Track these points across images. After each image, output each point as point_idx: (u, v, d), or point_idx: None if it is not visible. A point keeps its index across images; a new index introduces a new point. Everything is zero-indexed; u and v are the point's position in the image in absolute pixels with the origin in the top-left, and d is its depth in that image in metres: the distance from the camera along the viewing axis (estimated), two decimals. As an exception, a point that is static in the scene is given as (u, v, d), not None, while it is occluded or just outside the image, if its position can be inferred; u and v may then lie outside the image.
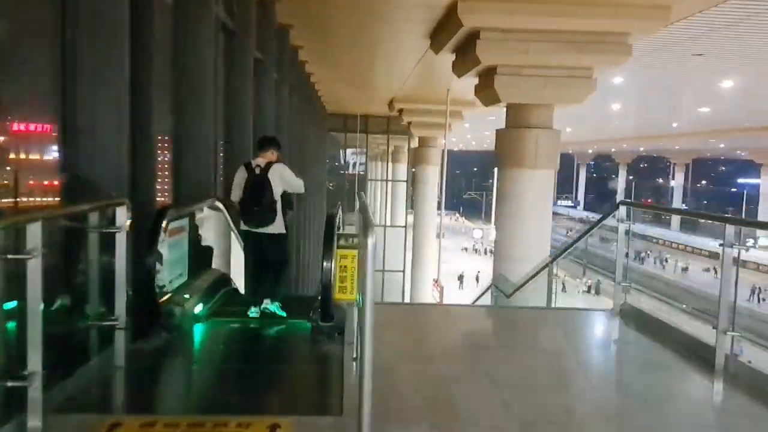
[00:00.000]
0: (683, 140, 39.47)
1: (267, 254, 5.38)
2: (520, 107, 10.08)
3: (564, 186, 79.71)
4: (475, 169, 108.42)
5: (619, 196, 73.90)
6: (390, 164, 35.80)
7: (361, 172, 38.65)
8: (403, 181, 36.37)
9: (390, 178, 34.28)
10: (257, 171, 5.20)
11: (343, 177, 45.12)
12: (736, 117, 26.86)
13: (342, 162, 45.70)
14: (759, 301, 35.02)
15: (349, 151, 37.69)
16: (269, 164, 5.23)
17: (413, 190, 23.78)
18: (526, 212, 10.05)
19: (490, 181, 56.64)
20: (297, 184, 5.41)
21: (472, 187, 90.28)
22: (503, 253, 10.33)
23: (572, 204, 75.21)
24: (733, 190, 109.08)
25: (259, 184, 5.14)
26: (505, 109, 10.52)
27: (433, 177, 23.35)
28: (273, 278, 5.44)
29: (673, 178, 63.12)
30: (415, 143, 28.58)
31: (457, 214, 78.69)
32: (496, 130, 10.63)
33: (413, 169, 32.94)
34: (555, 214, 73.00)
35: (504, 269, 10.05)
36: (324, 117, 27.34)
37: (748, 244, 29.62)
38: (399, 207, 37.01)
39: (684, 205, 66.83)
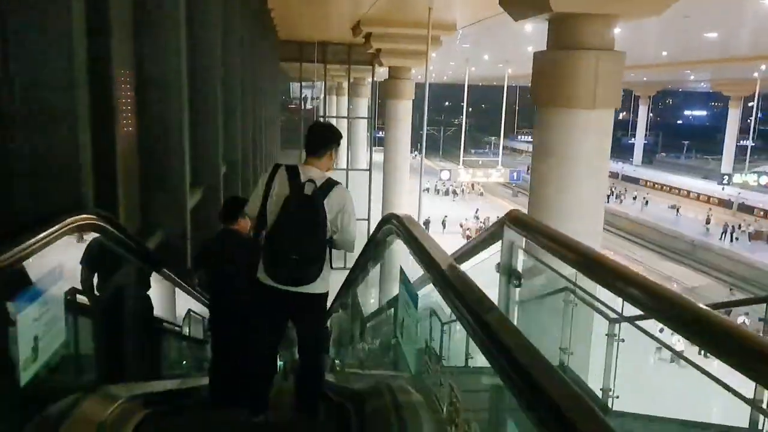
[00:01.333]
0: (658, 70, 37.24)
1: (298, 327, 3.40)
2: (574, 21, 7.03)
3: (524, 122, 77.60)
4: (448, 103, 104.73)
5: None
6: (349, 98, 32.21)
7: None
8: (365, 118, 32.97)
9: (349, 114, 30.82)
10: (307, 190, 3.06)
11: (297, 113, 41.27)
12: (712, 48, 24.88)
13: (295, 96, 41.67)
14: (732, 240, 34.12)
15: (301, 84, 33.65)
16: (328, 182, 3.12)
17: (385, 130, 20.64)
18: (578, 170, 7.19)
19: (461, 117, 53.69)
20: (352, 232, 3.28)
21: (443, 122, 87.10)
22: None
23: (532, 139, 73.22)
24: (692, 121, 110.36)
25: (308, 215, 3.03)
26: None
27: (405, 114, 20.20)
28: (309, 370, 3.42)
29: (637, 113, 61.69)
30: (381, 75, 25.12)
31: (416, 152, 75.37)
32: (535, 54, 7.57)
33: (379, 103, 29.65)
34: (516, 150, 71.30)
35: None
36: (276, 45, 23.42)
37: (724, 183, 28.07)
38: (360, 147, 33.76)
39: (646, 140, 65.96)
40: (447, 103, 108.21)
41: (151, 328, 3.90)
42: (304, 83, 30.68)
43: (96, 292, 3.09)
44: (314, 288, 3.16)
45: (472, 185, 51.53)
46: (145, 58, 4.15)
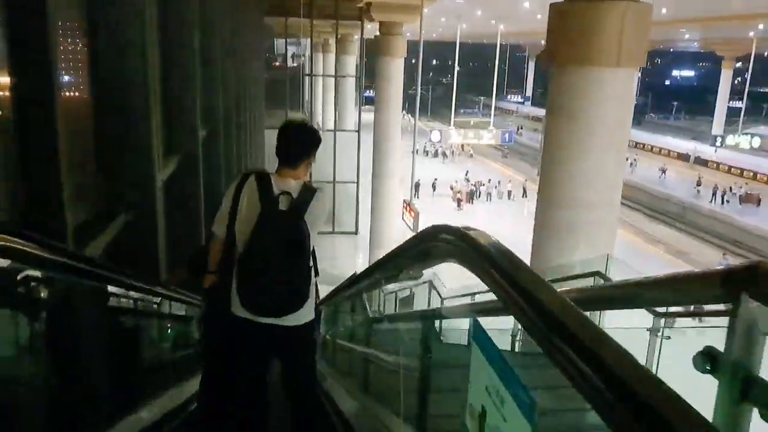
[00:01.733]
0: (655, 29, 36.18)
1: (284, 366, 2.85)
2: (599, -35, 6.21)
3: (512, 81, 76.32)
4: (436, 61, 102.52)
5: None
6: (336, 56, 30.93)
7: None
8: (353, 76, 31.77)
9: (337, 72, 29.61)
10: (283, 204, 2.57)
11: (282, 71, 39.82)
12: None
13: (280, 53, 40.20)
14: (723, 202, 33.89)
15: (285, 40, 32.29)
16: (306, 191, 2.65)
17: (375, 90, 19.69)
18: (597, 135, 6.49)
19: (449, 76, 52.39)
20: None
21: (431, 81, 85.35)
22: (557, 199, 6.83)
23: (521, 100, 72.26)
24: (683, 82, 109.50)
25: (287, 234, 2.54)
26: None
27: (397, 72, 19.24)
28: (304, 417, 2.83)
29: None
30: (369, 32, 23.96)
31: (404, 112, 73.91)
32: (552, 6, 6.75)
33: (368, 61, 28.53)
34: (505, 110, 70.39)
35: (556, 224, 6.63)
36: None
37: (716, 145, 27.58)
38: (348, 106, 32.66)
39: (636, 100, 65.15)
40: (435, 62, 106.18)
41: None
42: (289, 40, 29.40)
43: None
44: (300, 318, 2.67)
45: (462, 146, 50.73)
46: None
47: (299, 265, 2.57)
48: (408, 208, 17.45)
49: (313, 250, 2.73)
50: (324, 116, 38.77)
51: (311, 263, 2.68)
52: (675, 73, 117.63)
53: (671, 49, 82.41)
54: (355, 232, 27.54)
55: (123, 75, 3.37)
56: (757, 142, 33.53)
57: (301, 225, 2.54)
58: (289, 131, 2.72)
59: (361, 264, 23.71)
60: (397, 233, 21.60)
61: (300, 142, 2.70)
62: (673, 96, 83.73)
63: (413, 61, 30.23)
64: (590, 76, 6.40)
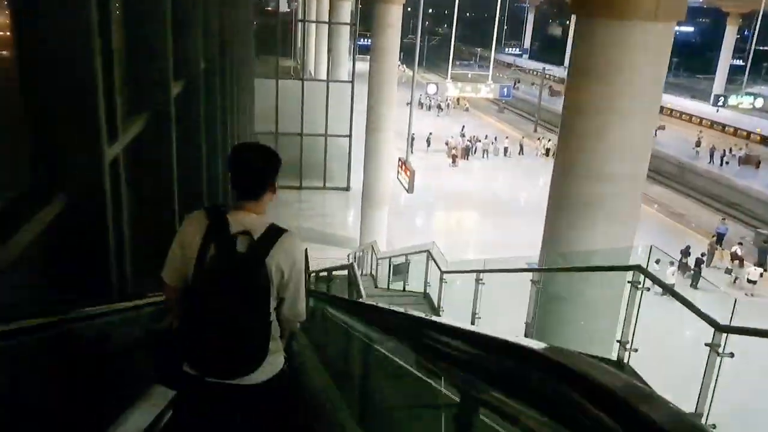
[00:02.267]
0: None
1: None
2: None
3: (510, 33, 74.09)
4: (431, 11, 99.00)
5: (569, 46, 69.72)
6: (331, 2, 29.40)
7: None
8: (347, 24, 30.29)
9: (331, 19, 28.18)
10: (240, 246, 2.12)
11: (273, 16, 37.98)
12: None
13: (270, -3, 38.41)
14: (722, 164, 33.31)
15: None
16: (271, 232, 2.16)
17: (372, 38, 18.53)
18: (627, 98, 5.73)
19: (446, 25, 50.60)
20: (302, 301, 2.28)
21: (426, 31, 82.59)
22: (576, 169, 6.11)
23: (519, 52, 70.37)
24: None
25: (243, 282, 2.11)
26: None
27: (395, 19, 18.07)
28: None
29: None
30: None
31: (399, 62, 71.75)
32: (582, -56, 5.87)
33: (362, 8, 27.15)
34: (502, 63, 68.55)
35: (574, 197, 5.94)
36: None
37: (719, 104, 26.86)
38: (342, 55, 31.29)
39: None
40: (430, 10, 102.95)
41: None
42: None
43: None
44: (258, 376, 2.20)
45: (458, 100, 49.50)
46: None
47: (255, 320, 2.15)
48: (403, 166, 16.67)
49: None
50: (316, 65, 37.33)
51: (272, 315, 2.23)
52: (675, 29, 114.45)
53: (674, 3, 79.96)
54: (347, 188, 26.79)
55: (57, 17, 2.57)
56: (760, 102, 32.65)
57: (260, 271, 2.11)
58: (242, 156, 2.24)
59: (351, 222, 23.10)
60: (391, 191, 20.90)
61: (257, 170, 2.20)
62: (671, 52, 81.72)
63: (408, 9, 28.77)
64: (623, 32, 5.60)
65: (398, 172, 17.58)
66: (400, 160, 17.63)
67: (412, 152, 32.69)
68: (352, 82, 25.72)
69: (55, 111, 2.70)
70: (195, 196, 6.14)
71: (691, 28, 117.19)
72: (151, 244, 3.76)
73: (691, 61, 73.78)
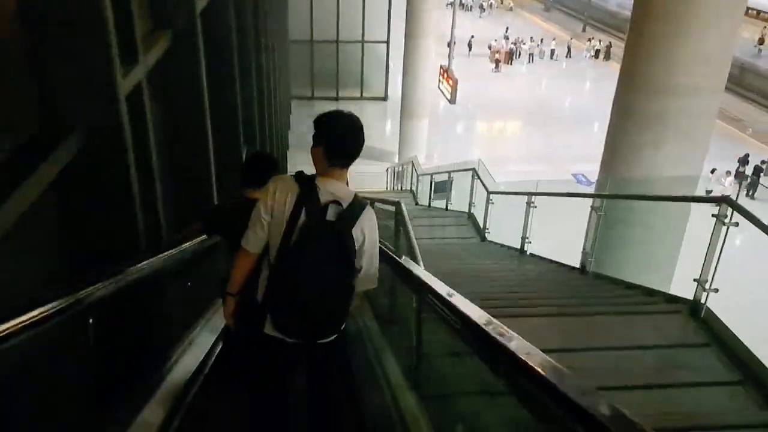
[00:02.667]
0: None
1: (311, 385, 2.49)
2: None
3: None
4: None
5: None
6: None
7: None
8: None
9: None
10: (331, 215, 2.15)
11: None
12: None
13: None
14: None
15: None
16: (357, 203, 2.21)
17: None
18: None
19: None
20: (376, 268, 2.35)
21: None
22: (644, 81, 5.46)
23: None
24: None
25: (335, 251, 2.16)
26: None
27: None
28: None
29: None
30: None
31: None
32: None
33: None
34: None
35: (641, 112, 5.34)
36: None
37: None
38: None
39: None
40: None
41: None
42: None
43: None
44: (332, 334, 2.36)
45: (501, -1, 46.65)
46: None
47: (343, 289, 2.25)
48: (445, 74, 15.79)
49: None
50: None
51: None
52: None
53: None
54: (385, 98, 25.98)
55: None
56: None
57: (348, 240, 2.16)
58: (342, 122, 2.22)
59: (390, 134, 22.53)
60: (432, 101, 20.08)
61: (356, 137, 2.22)
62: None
63: None
64: None
65: (439, 80, 16.71)
66: (441, 67, 16.72)
67: (453, 57, 31.35)
68: (389, -16, 24.19)
69: (62, 39, 2.33)
70: (229, 127, 5.81)
71: None
72: (184, 189, 3.51)
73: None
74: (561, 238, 7.11)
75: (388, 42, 24.85)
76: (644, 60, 5.40)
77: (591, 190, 19.82)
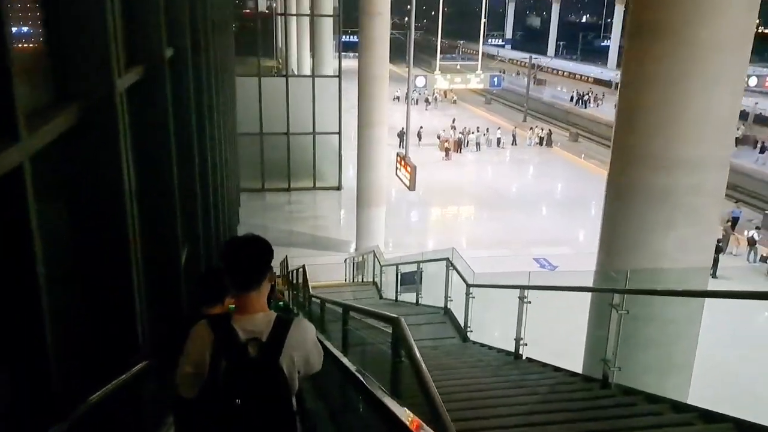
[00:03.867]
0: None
1: None
2: None
3: (490, 24, 72.98)
4: (408, 7, 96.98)
5: (552, 35, 68.79)
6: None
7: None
8: (330, 15, 28.88)
9: (313, 11, 26.79)
10: (252, 350, 2.08)
11: (252, 19, 36.34)
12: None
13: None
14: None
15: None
16: (279, 326, 2.12)
17: (359, 29, 17.14)
18: (709, 60, 4.51)
19: (425, 20, 49.41)
20: (319, 360, 2.27)
21: (405, 26, 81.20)
22: (641, 156, 4.85)
23: (502, 43, 69.31)
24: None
25: (265, 392, 2.08)
26: None
27: (385, 6, 16.74)
28: None
29: (609, 16, 58.23)
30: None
31: None
32: None
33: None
34: (485, 54, 67.71)
35: (641, 192, 4.70)
36: None
37: None
38: (325, 50, 29.90)
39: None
40: (407, 7, 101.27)
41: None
42: None
43: None
44: None
45: (445, 93, 48.39)
46: None
47: (281, 419, 2.11)
48: (402, 162, 15.36)
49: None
50: (299, 64, 35.93)
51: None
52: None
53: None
54: (338, 188, 25.46)
55: None
56: (753, 81, 31.72)
57: (276, 374, 2.05)
58: (240, 247, 2.16)
59: (345, 223, 21.78)
60: (387, 188, 19.60)
61: (255, 258, 2.12)
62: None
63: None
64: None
65: (397, 168, 16.26)
66: (398, 155, 16.33)
67: (402, 147, 31.53)
68: (339, 76, 24.36)
69: None
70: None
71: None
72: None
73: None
74: (557, 335, 6.24)
75: (339, 133, 24.71)
76: (641, 128, 4.83)
77: (556, 275, 19.38)
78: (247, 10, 51.23)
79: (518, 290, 5.43)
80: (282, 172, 24.67)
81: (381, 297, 11.31)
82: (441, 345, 6.94)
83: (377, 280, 12.53)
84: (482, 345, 6.70)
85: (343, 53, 25.26)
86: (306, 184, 25.13)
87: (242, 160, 22.64)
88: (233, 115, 20.71)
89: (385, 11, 16.80)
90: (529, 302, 5.36)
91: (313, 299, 7.06)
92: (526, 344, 5.55)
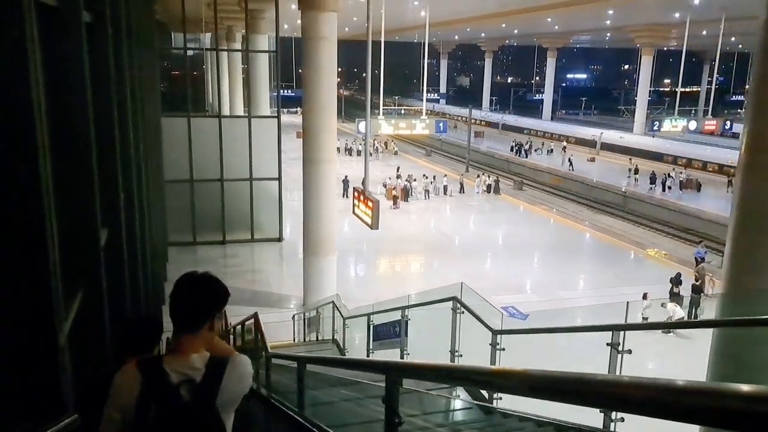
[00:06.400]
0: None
1: None
2: None
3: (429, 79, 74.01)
4: (340, 69, 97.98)
5: (486, 89, 70.38)
6: (246, 35, 26.29)
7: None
8: (266, 51, 27.14)
9: (248, 47, 24.98)
10: (185, 393, 1.95)
11: (181, 80, 34.20)
12: None
13: (177, 51, 34.98)
14: (664, 189, 32.47)
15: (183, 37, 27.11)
16: (215, 366, 2.00)
17: (305, 55, 15.32)
18: None
19: (356, 81, 49.07)
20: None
21: (342, 84, 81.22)
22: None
23: (437, 97, 70.08)
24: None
25: None
26: None
27: (330, 31, 15.07)
28: None
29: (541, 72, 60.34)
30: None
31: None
32: None
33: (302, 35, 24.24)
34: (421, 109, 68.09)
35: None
36: None
37: (654, 129, 25.55)
38: (262, 92, 28.00)
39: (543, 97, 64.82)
40: (339, 69, 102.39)
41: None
42: (188, 37, 24.12)
43: None
44: None
45: (386, 144, 47.50)
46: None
47: None
48: (362, 197, 13.31)
49: None
50: (233, 105, 33.81)
51: None
52: (569, 75, 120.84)
53: (575, 47, 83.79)
54: (279, 239, 23.04)
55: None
56: (693, 124, 32.46)
57: (214, 418, 1.93)
58: (185, 284, 2.04)
59: (288, 278, 19.39)
60: (337, 235, 17.50)
61: (202, 296, 2.03)
62: (573, 95, 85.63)
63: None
64: None
65: (354, 205, 14.20)
66: (356, 190, 14.29)
67: (346, 196, 29.70)
68: (278, 116, 22.41)
69: None
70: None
71: (584, 75, 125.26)
72: None
73: (592, 102, 77.25)
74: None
75: (279, 178, 22.50)
76: None
77: (527, 324, 17.64)
78: (176, 71, 48.96)
79: (607, 332, 3.44)
80: (216, 223, 22.09)
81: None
82: (460, 424, 4.73)
83: (338, 336, 10.21)
84: (520, 417, 4.58)
85: (284, 109, 23.48)
86: (243, 236, 22.58)
87: (171, 211, 19.98)
88: (158, 159, 18.23)
89: (331, 36, 15.16)
90: (629, 351, 3.40)
91: (275, 361, 4.78)
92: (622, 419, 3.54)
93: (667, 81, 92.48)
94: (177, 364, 1.92)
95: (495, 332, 4.88)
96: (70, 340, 3.85)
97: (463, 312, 5.69)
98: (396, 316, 7.66)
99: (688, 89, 72.68)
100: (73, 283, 4.96)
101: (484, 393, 5.17)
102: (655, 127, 32.16)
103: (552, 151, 45.40)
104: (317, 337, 12.13)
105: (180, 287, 2.01)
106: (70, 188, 4.89)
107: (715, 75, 38.26)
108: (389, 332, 7.62)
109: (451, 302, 5.88)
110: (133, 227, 8.14)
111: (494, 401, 4.86)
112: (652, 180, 33.30)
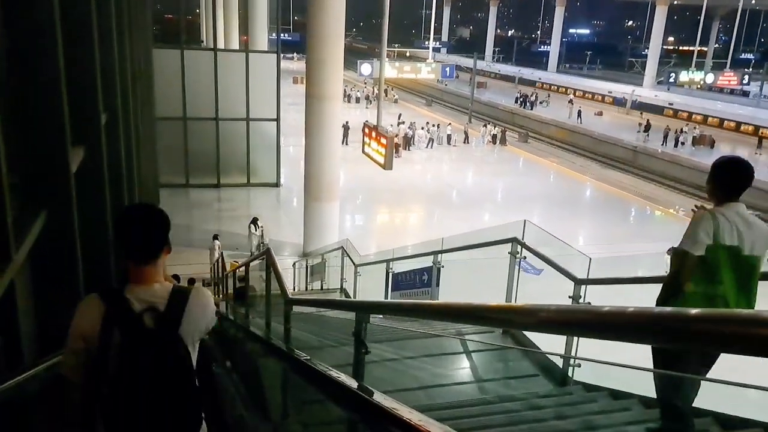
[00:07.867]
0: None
1: None
2: None
3: (425, 30, 71.42)
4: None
5: (489, 42, 67.90)
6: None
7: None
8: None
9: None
10: (148, 321, 1.90)
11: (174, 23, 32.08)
12: None
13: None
14: (676, 145, 31.31)
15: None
16: (177, 296, 1.96)
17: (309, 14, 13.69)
18: None
19: (357, 26, 46.98)
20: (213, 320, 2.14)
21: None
22: None
23: (439, 46, 67.67)
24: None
25: (166, 364, 1.91)
26: None
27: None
28: None
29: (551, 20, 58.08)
30: None
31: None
32: None
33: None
34: (421, 58, 65.90)
35: None
36: None
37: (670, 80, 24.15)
38: (258, 29, 26.25)
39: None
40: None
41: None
42: None
43: None
44: None
45: (386, 92, 45.85)
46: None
47: (184, 395, 1.91)
48: (374, 134, 12.05)
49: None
50: (227, 40, 31.92)
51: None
52: (571, 30, 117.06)
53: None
54: (277, 184, 21.84)
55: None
56: (711, 78, 31.00)
57: (177, 346, 1.89)
58: (136, 215, 2.00)
59: (286, 224, 18.32)
60: (340, 178, 16.32)
61: (156, 224, 1.97)
62: (577, 49, 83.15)
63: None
64: None
65: (365, 143, 12.95)
66: (366, 126, 13.03)
67: (346, 143, 28.34)
68: (277, 51, 20.85)
69: None
70: None
71: (587, 30, 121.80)
72: None
73: (597, 57, 75.06)
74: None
75: (278, 119, 21.12)
76: None
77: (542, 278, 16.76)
78: (169, 15, 46.27)
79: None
80: (210, 164, 20.83)
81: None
82: (524, 401, 3.66)
83: (346, 286, 9.18)
84: (611, 392, 3.56)
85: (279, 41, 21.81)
86: (238, 180, 21.37)
87: (162, 150, 18.68)
88: (149, 89, 16.81)
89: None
90: None
91: (297, 309, 3.69)
92: None
93: (670, 39, 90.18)
94: (140, 292, 1.90)
95: (579, 282, 3.80)
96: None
97: (524, 257, 4.62)
98: (420, 264, 6.58)
99: (691, 48, 70.77)
100: (34, 203, 4.01)
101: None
102: (671, 80, 30.72)
103: (572, 101, 43.32)
104: (321, 286, 11.13)
105: (131, 221, 1.96)
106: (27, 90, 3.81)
107: (735, 30, 36.44)
108: (414, 281, 6.57)
109: (510, 245, 4.80)
110: (118, 151, 6.94)
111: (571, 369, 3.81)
112: (666, 136, 32.08)
